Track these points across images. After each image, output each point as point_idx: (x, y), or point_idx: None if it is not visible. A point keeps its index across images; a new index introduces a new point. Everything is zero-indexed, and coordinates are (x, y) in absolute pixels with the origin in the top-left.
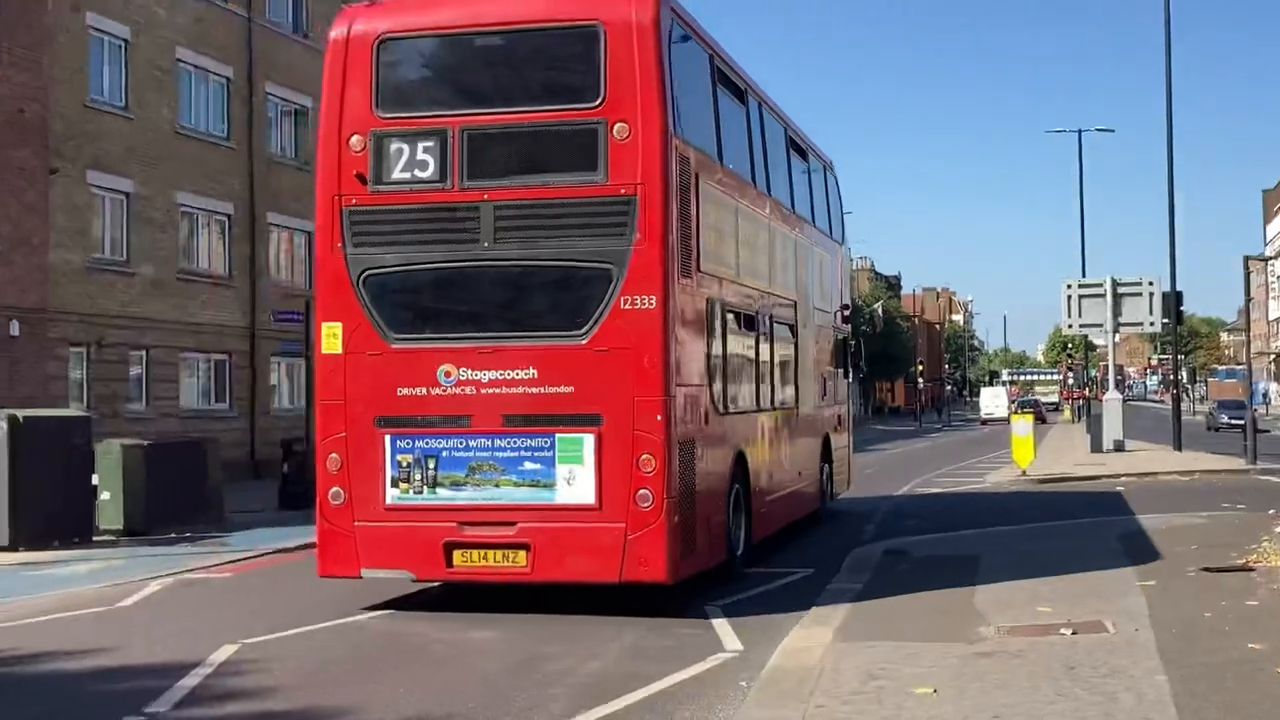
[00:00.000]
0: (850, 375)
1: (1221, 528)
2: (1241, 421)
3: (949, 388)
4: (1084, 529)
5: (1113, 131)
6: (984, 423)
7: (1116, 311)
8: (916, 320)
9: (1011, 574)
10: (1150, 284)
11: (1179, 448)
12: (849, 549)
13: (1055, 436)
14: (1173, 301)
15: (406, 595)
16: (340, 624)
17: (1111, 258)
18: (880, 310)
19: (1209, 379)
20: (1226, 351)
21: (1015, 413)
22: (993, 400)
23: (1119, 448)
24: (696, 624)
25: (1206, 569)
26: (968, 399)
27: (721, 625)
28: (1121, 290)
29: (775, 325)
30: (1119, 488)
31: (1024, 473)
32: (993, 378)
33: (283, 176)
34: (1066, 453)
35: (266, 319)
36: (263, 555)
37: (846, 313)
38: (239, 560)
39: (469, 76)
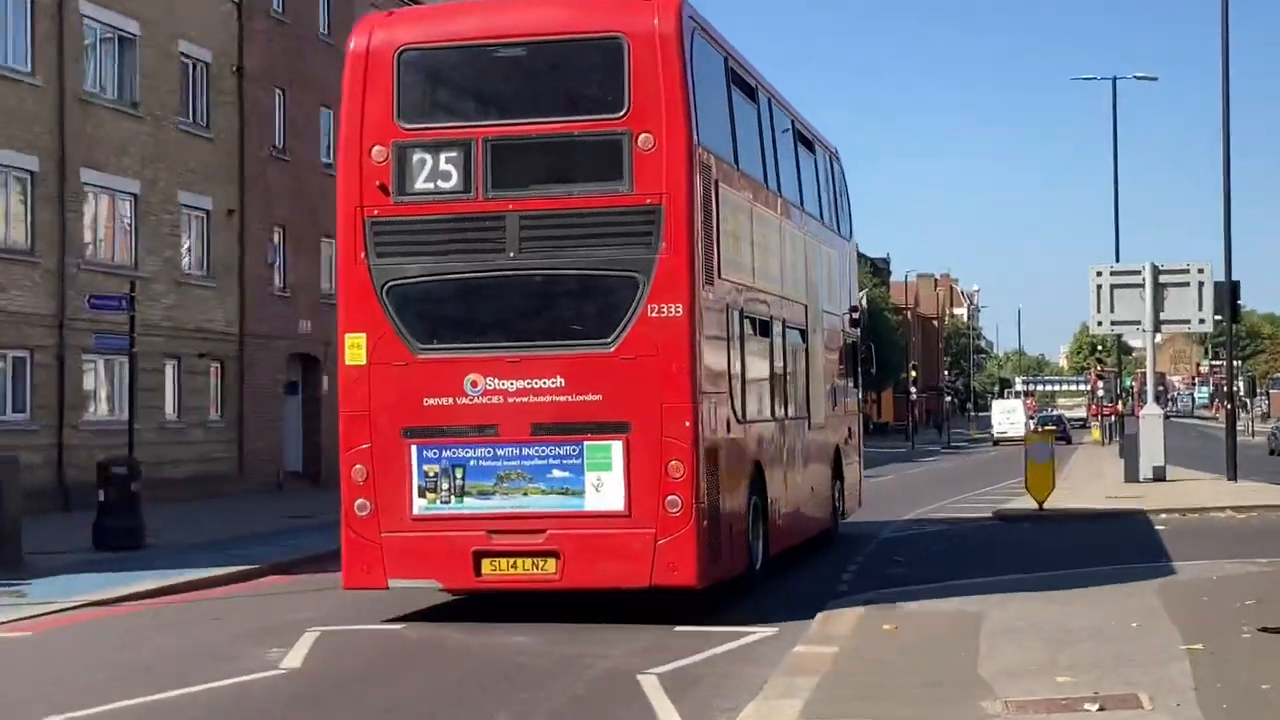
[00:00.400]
0: (860, 384)
1: None
2: None
3: (949, 399)
4: (1114, 578)
5: (1155, 80)
6: (996, 443)
7: (1158, 306)
8: (909, 314)
9: (1024, 635)
10: (1200, 271)
11: (1234, 477)
12: (822, 599)
13: (1081, 461)
14: (1227, 294)
15: (242, 681)
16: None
17: (1152, 242)
18: (864, 301)
19: (1272, 390)
20: None
21: (1034, 431)
22: (1006, 415)
23: (1159, 476)
24: (629, 697)
25: (1266, 629)
26: (972, 413)
27: (660, 701)
28: (1164, 279)
29: (787, 331)
30: (1159, 527)
31: (1041, 507)
32: (1004, 387)
33: (103, 122)
34: (1094, 482)
35: (81, 304)
36: (72, 609)
37: (855, 315)
38: (39, 615)
39: (492, 87)
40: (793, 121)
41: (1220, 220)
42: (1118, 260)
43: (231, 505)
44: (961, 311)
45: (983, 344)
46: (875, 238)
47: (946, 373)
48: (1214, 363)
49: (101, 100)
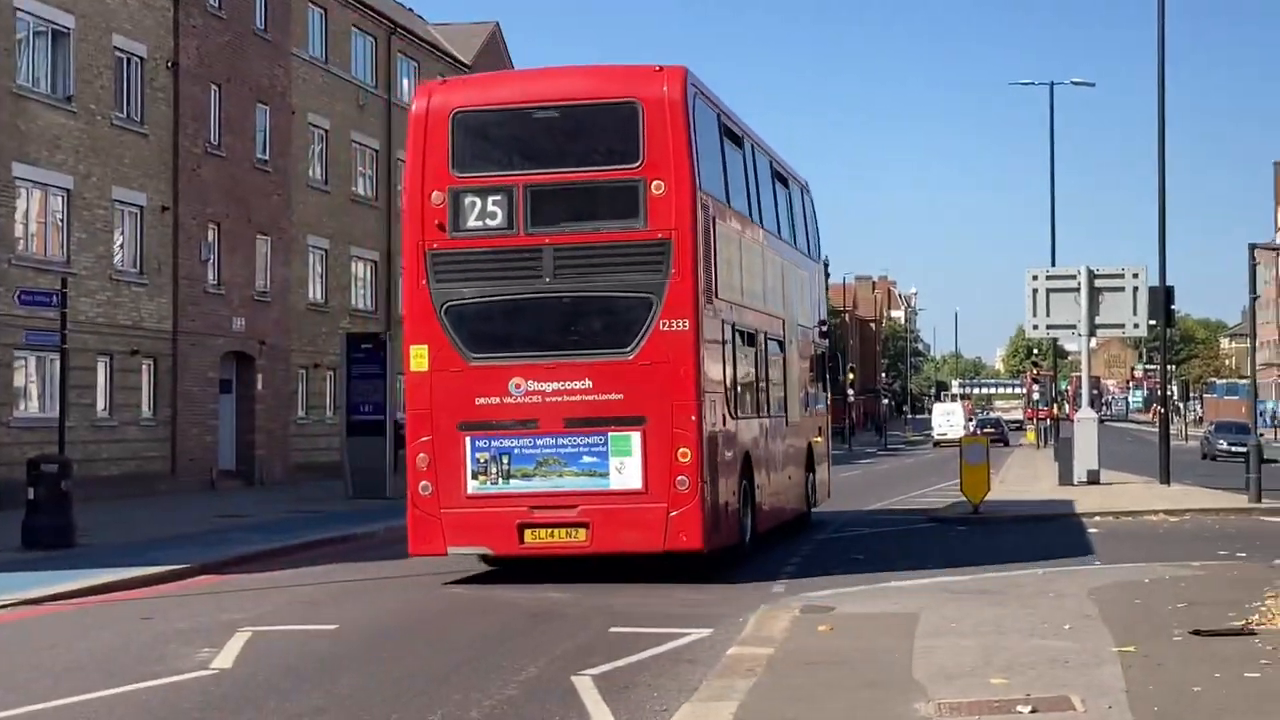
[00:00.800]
0: (828, 389)
1: (1217, 581)
2: (1244, 449)
3: (886, 401)
4: (1048, 579)
5: (1092, 86)
6: (936, 444)
7: (1093, 310)
8: (847, 316)
9: (957, 636)
10: (1135, 276)
11: (1167, 480)
12: (758, 600)
13: (1017, 464)
14: (1162, 298)
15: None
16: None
17: (1088, 246)
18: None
19: (1205, 395)
20: (1227, 362)
21: (972, 434)
22: (946, 418)
23: (1093, 479)
24: (561, 696)
25: (1198, 632)
26: (909, 416)
27: (594, 702)
28: (1099, 283)
29: (768, 341)
30: (1093, 529)
31: (977, 509)
32: (940, 390)
33: (36, 117)
34: (1029, 484)
35: (12, 300)
36: (0, 608)
37: (824, 328)
38: None
39: (530, 142)
40: (770, 161)
41: (1155, 225)
42: (1054, 264)
43: (163, 504)
44: (899, 314)
45: (920, 346)
46: None
47: (884, 375)
48: (1148, 367)
49: (35, 94)
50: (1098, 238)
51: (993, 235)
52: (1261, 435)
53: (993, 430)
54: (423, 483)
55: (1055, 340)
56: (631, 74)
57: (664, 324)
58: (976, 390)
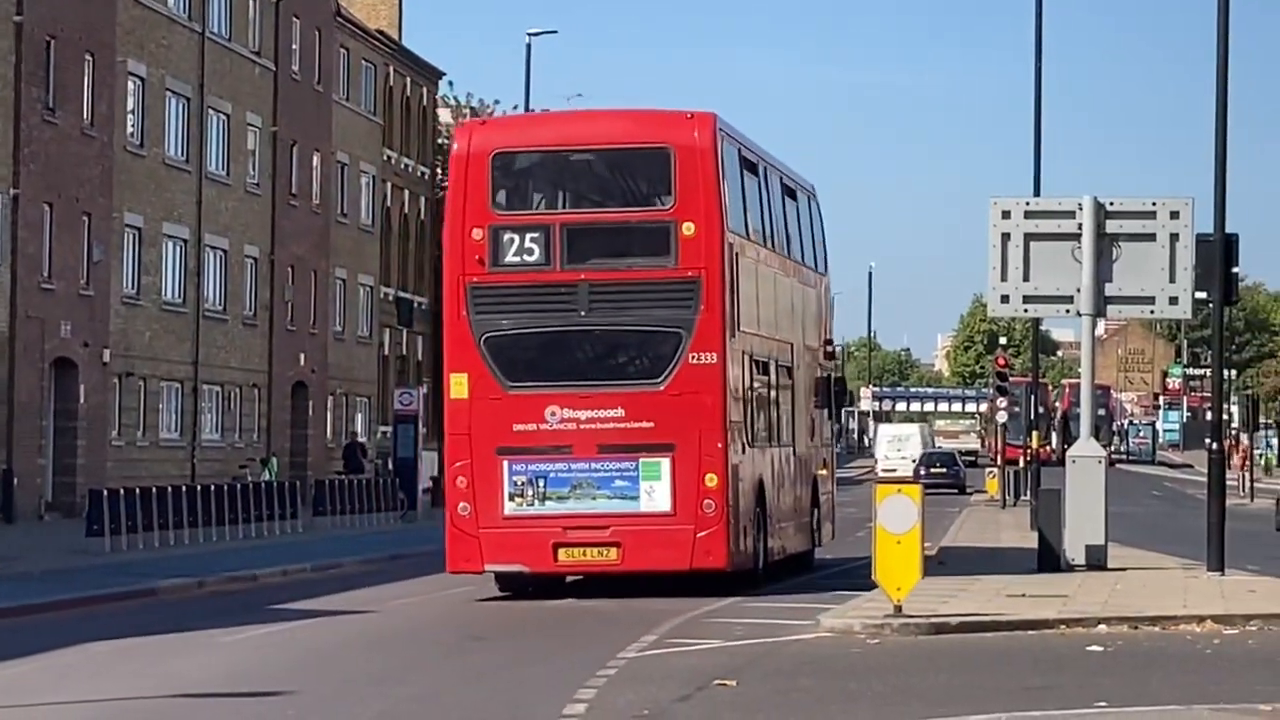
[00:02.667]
0: (833, 415)
1: None
2: None
3: None
4: None
5: None
6: (882, 481)
7: (1102, 272)
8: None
9: None
10: (1174, 215)
11: (1220, 566)
12: None
13: (967, 533)
14: (1220, 255)
15: None
16: None
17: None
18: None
19: None
20: None
21: (912, 479)
22: (896, 446)
23: (1096, 562)
24: None
25: None
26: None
27: None
28: (1114, 226)
29: (779, 369)
30: (1094, 648)
31: (899, 608)
32: (839, 399)
33: None
34: (991, 568)
35: None
36: None
37: (830, 348)
38: None
39: (567, 182)
40: (780, 178)
41: (1212, 149)
42: (1038, 193)
43: None
44: None
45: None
46: None
47: None
48: (1192, 372)
49: None
50: (1113, 177)
51: (938, 162)
52: None
53: (942, 471)
54: (461, 504)
55: (1037, 323)
56: (665, 120)
57: (693, 357)
58: (902, 405)
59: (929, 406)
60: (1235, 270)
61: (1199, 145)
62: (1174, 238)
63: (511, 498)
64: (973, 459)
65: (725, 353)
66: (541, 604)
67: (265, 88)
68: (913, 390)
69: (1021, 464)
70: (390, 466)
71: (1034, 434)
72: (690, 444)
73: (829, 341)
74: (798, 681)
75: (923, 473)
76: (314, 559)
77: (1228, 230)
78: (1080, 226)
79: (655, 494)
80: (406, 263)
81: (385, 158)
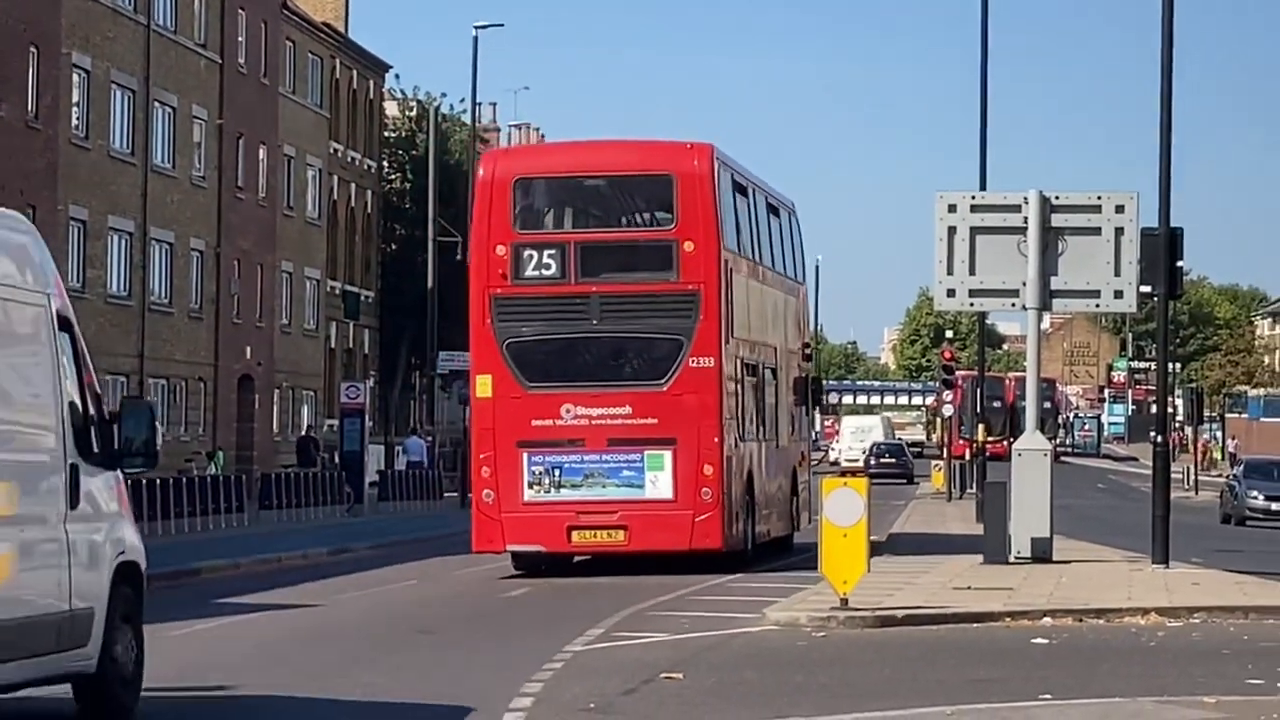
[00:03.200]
0: (809, 412)
1: None
2: None
3: None
4: None
5: None
6: (844, 473)
7: (1048, 266)
8: None
9: None
10: (1119, 209)
11: (1165, 559)
12: None
13: (914, 525)
14: (1164, 249)
15: None
16: None
17: (1036, 178)
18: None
19: (1229, 414)
20: (1267, 359)
21: (860, 470)
22: (859, 436)
23: (1041, 554)
24: None
25: None
26: None
27: None
28: (1059, 220)
29: (764, 369)
30: (1040, 640)
31: (845, 601)
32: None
33: None
34: (937, 560)
35: None
36: None
37: (808, 350)
38: None
39: (581, 205)
40: (766, 197)
41: (1156, 144)
42: (984, 186)
43: None
44: None
45: None
46: (579, 136)
47: None
48: (1138, 365)
49: None
50: (1055, 172)
51: (884, 150)
52: None
53: (891, 461)
54: (485, 491)
55: (983, 316)
56: (668, 150)
57: (693, 361)
58: (848, 398)
59: (875, 400)
60: (1180, 264)
61: (1144, 140)
62: (1119, 232)
63: (530, 485)
64: (919, 449)
65: (721, 357)
66: (491, 596)
67: (211, 80)
68: (860, 384)
69: (968, 456)
70: (337, 460)
71: (980, 427)
72: (690, 438)
73: (806, 344)
74: (743, 674)
75: (872, 463)
76: (260, 552)
77: (1172, 224)
78: (1026, 220)
79: (658, 483)
80: (353, 256)
81: (332, 151)
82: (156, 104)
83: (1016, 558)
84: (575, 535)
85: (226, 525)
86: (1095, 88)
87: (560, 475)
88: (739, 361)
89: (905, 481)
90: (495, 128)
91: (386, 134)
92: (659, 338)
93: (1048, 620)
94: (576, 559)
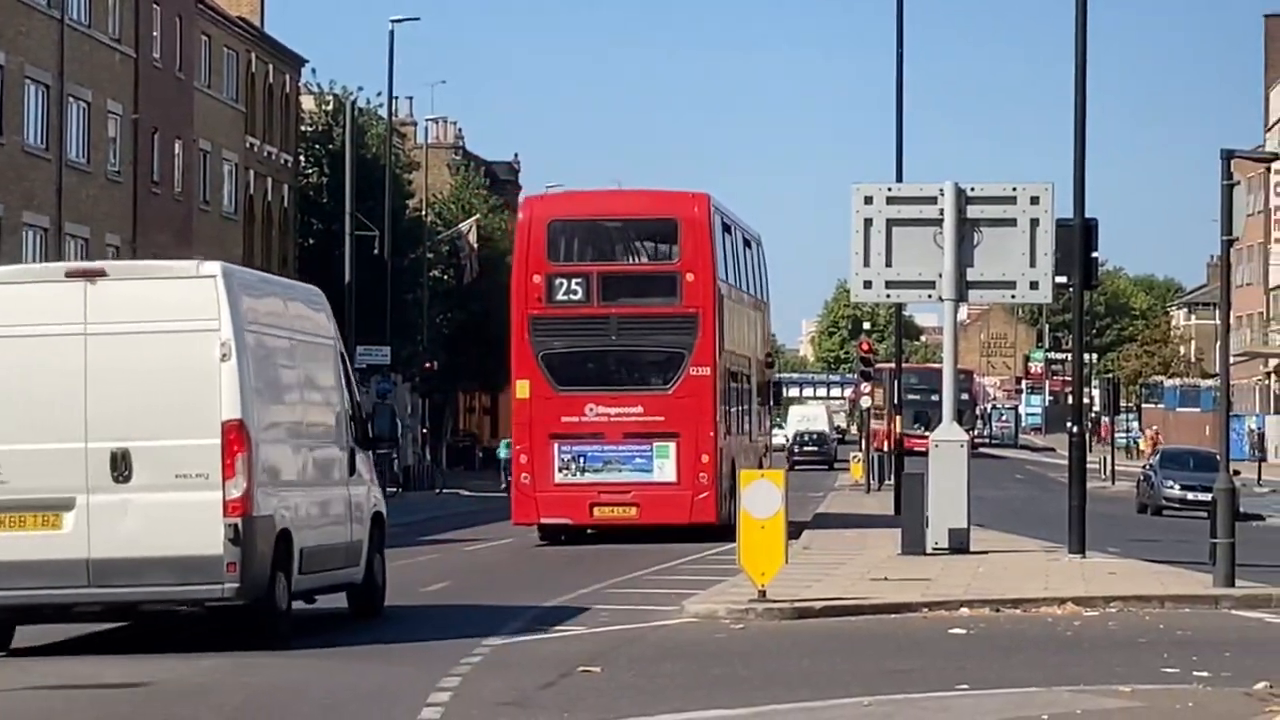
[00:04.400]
0: (770, 410)
1: None
2: (1208, 496)
3: None
4: None
5: None
6: (793, 466)
7: (964, 257)
8: None
9: None
10: (1034, 201)
11: (1081, 549)
12: None
13: (836, 513)
14: (1078, 240)
15: None
16: None
17: (953, 171)
18: (472, 237)
19: (1146, 404)
20: (1182, 350)
21: (788, 454)
22: (805, 423)
23: (959, 545)
24: None
25: None
26: None
27: None
28: (975, 211)
29: (743, 377)
30: (956, 630)
31: (763, 593)
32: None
33: None
34: (851, 553)
35: None
36: None
37: (769, 359)
38: None
39: (602, 243)
40: (743, 233)
41: (1071, 130)
42: (900, 178)
43: None
44: None
45: None
46: (499, 131)
47: None
48: (1054, 356)
49: None
50: (974, 164)
51: (801, 148)
52: (1237, 473)
53: (814, 450)
54: (524, 474)
55: (900, 308)
56: (673, 198)
57: (693, 370)
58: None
59: (794, 392)
60: (1095, 255)
61: (1059, 132)
62: (1034, 223)
63: (560, 470)
64: (841, 434)
65: (715, 367)
66: (409, 590)
67: (126, 75)
68: (780, 376)
69: (885, 449)
70: None
71: (892, 419)
72: (690, 433)
73: (769, 354)
74: (662, 667)
75: (796, 450)
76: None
77: (1087, 215)
78: (942, 212)
79: (664, 468)
80: (270, 251)
81: (248, 145)
82: (71, 99)
83: (934, 549)
84: (596, 510)
85: None
86: (1011, 80)
87: (584, 462)
88: (728, 371)
89: (827, 467)
90: (412, 121)
91: (303, 128)
92: (665, 351)
93: (965, 611)
94: (590, 530)
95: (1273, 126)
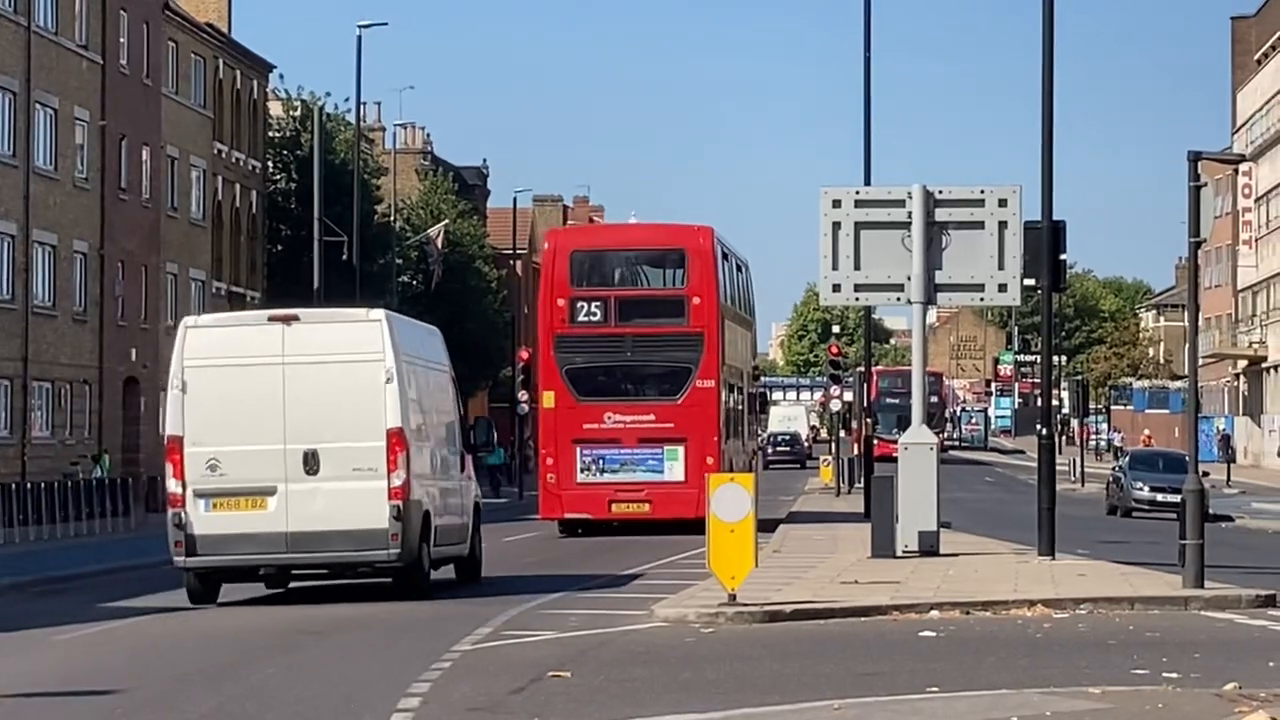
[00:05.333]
0: (758, 419)
1: None
2: (1178, 497)
3: None
4: None
5: None
6: (768, 465)
7: (932, 260)
8: (518, 265)
9: None
10: (1002, 204)
11: (1051, 550)
12: None
13: (808, 510)
14: (1046, 242)
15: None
16: None
17: (921, 174)
18: (441, 242)
19: (1115, 406)
20: (1151, 351)
21: (761, 454)
22: (786, 423)
23: (929, 548)
24: None
25: None
26: None
27: None
28: (943, 214)
29: (738, 389)
30: (927, 633)
31: (733, 596)
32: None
33: None
34: (821, 555)
35: None
36: None
37: (757, 371)
38: None
39: (619, 270)
40: (735, 260)
41: (1039, 130)
42: (868, 182)
43: None
44: None
45: None
46: (469, 137)
47: None
48: (1023, 359)
49: None
50: (942, 167)
51: (770, 150)
52: (1205, 474)
53: (786, 450)
54: (550, 475)
55: (869, 311)
56: (681, 230)
57: (699, 383)
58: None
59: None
60: (1063, 257)
61: (1027, 134)
62: (1002, 225)
63: (582, 471)
64: (815, 433)
65: (718, 379)
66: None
67: (93, 81)
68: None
69: (856, 452)
70: None
71: (863, 422)
72: (696, 438)
73: (756, 367)
74: (632, 672)
75: (771, 450)
76: (147, 555)
77: (1055, 218)
78: (910, 215)
79: (674, 469)
80: (238, 257)
81: (216, 151)
82: (38, 106)
83: (904, 551)
84: (614, 506)
85: (112, 529)
86: (979, 82)
87: (603, 463)
88: (727, 382)
89: (799, 466)
90: (380, 127)
91: (271, 134)
92: (674, 365)
93: (935, 613)
94: (614, 524)
95: (1240, 128)
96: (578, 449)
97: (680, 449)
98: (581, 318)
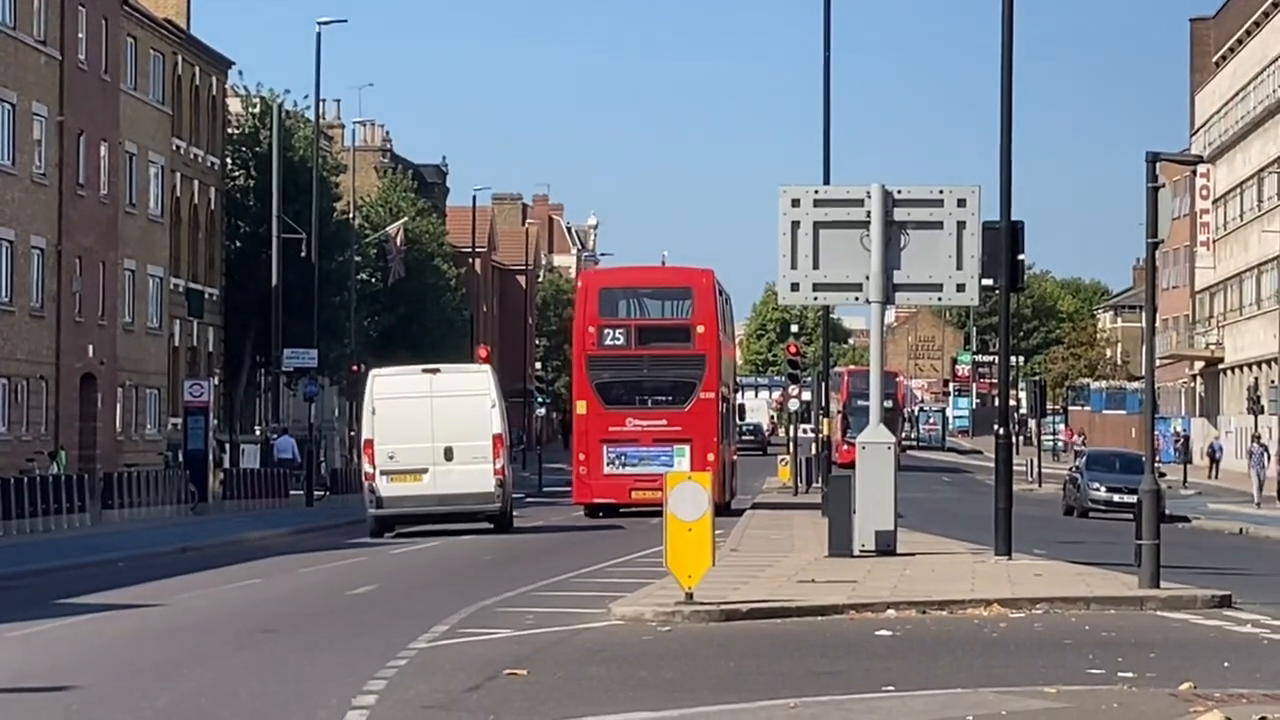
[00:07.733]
0: (734, 426)
1: None
2: (1134, 498)
3: (542, 408)
4: None
5: None
6: (735, 452)
7: (890, 259)
8: (478, 263)
9: None
10: (961, 203)
11: (1007, 550)
12: None
13: (761, 518)
14: (1005, 242)
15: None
16: None
17: (879, 174)
18: (400, 239)
19: (1073, 407)
20: (1108, 352)
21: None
22: (748, 416)
23: (886, 547)
24: None
25: None
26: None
27: None
28: (902, 214)
29: (726, 399)
30: (882, 632)
31: (690, 595)
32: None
33: None
34: (778, 555)
35: None
36: None
37: (736, 384)
38: None
39: (638, 304)
40: (723, 293)
41: (997, 130)
42: (827, 182)
43: None
44: (569, 261)
45: None
46: (428, 134)
47: (540, 364)
48: (981, 359)
49: None
50: (902, 167)
51: (727, 150)
52: (1162, 475)
53: (751, 440)
54: (581, 468)
55: (828, 310)
56: (689, 273)
57: (702, 395)
58: None
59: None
60: (1021, 257)
61: (986, 135)
62: (961, 225)
63: (608, 464)
64: (774, 425)
65: (717, 392)
66: (335, 594)
67: (51, 77)
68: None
69: (816, 450)
70: (180, 459)
71: (822, 419)
72: (700, 439)
73: (735, 380)
74: (588, 670)
75: (737, 439)
76: (103, 552)
77: (1013, 218)
78: (869, 214)
79: (682, 464)
80: (197, 253)
81: (175, 147)
82: None
83: (861, 551)
84: (634, 493)
85: (69, 525)
86: (938, 81)
87: (625, 459)
88: (722, 395)
89: (761, 452)
90: (339, 124)
91: (230, 130)
92: (683, 380)
93: (891, 613)
94: (622, 509)
95: (1198, 130)
96: (604, 447)
97: (687, 447)
98: (608, 342)
